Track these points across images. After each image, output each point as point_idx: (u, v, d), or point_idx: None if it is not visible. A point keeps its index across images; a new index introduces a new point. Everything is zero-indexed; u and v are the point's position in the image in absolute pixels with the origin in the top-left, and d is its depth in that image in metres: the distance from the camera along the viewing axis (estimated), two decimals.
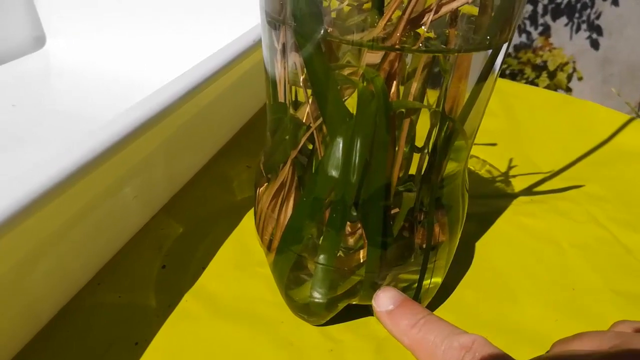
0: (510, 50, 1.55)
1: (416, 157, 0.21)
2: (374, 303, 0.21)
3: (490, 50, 0.20)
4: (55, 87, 0.47)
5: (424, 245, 0.23)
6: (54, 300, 0.25)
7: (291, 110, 0.21)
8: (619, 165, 0.40)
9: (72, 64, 0.49)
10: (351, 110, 0.19)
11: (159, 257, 0.29)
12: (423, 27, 0.18)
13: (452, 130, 0.21)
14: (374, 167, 0.20)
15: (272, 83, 0.21)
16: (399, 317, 0.19)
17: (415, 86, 0.19)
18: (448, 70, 0.19)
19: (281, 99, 0.21)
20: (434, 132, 0.20)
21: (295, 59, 0.20)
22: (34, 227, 0.22)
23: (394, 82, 0.19)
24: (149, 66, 0.47)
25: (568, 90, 1.51)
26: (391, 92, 0.19)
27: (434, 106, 0.20)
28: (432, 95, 0.20)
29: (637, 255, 0.31)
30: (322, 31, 0.18)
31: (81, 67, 0.48)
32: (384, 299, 0.20)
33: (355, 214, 0.21)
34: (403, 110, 0.20)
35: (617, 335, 0.18)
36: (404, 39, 0.17)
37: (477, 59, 0.20)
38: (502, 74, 1.50)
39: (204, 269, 0.28)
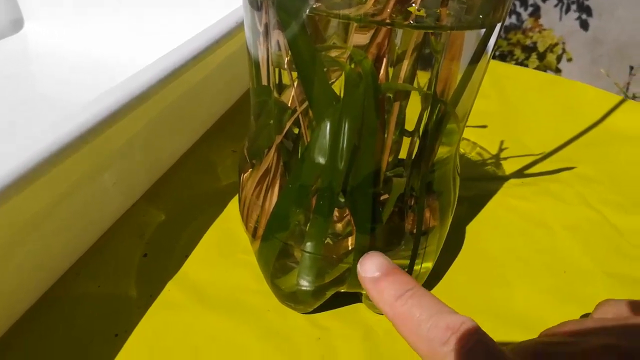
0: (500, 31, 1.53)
1: (406, 141, 0.21)
2: (359, 267, 0.19)
3: (483, 30, 0.19)
4: (34, 70, 0.46)
5: (414, 231, 0.22)
6: (29, 291, 0.24)
7: (275, 94, 0.20)
8: (610, 147, 0.39)
9: (50, 47, 0.47)
10: (338, 94, 0.18)
11: (141, 246, 0.28)
12: (414, 5, 0.17)
13: (443, 113, 0.20)
14: (362, 152, 0.19)
15: (255, 65, 0.20)
16: (385, 286, 0.18)
17: (405, 68, 0.19)
18: (440, 51, 0.18)
19: (265, 81, 0.20)
20: (424, 115, 0.20)
21: (279, 39, 0.19)
22: (7, 215, 0.21)
23: (383, 64, 0.18)
24: (129, 48, 0.45)
25: (557, 71, 1.51)
26: (380, 75, 0.19)
27: (425, 88, 0.19)
28: (422, 78, 0.19)
29: (629, 237, 0.31)
30: (307, 9, 0.17)
31: (60, 50, 0.47)
32: (371, 265, 0.18)
33: (343, 200, 0.21)
34: (392, 93, 0.19)
35: (595, 322, 0.18)
36: (394, 15, 0.16)
37: (470, 40, 0.19)
38: (492, 55, 1.48)
39: (187, 257, 0.28)
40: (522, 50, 1.49)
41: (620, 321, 0.18)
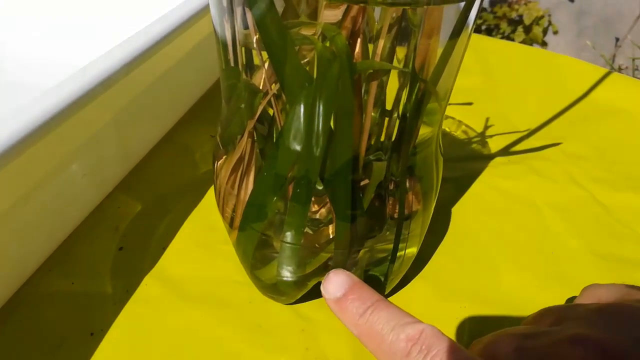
0: (486, 4, 1.51)
1: (386, 123, 0.20)
2: (322, 289, 0.19)
3: (463, 3, 0.17)
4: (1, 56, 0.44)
5: (396, 216, 0.21)
6: None
7: (245, 76, 0.19)
8: (597, 122, 0.39)
9: (15, 31, 0.45)
10: (312, 74, 0.17)
11: (115, 239, 0.27)
12: None
13: (423, 92, 0.19)
14: (339, 136, 0.18)
15: (223, 45, 0.19)
16: (347, 305, 0.18)
17: (382, 44, 0.17)
18: (417, 25, 0.17)
19: (233, 63, 0.19)
20: (403, 94, 0.19)
21: (246, 16, 0.17)
22: None
23: (358, 41, 0.17)
24: (97, 29, 0.44)
25: (544, 44, 1.49)
26: (355, 52, 0.17)
27: (403, 66, 0.18)
28: (400, 54, 0.18)
29: (617, 215, 0.30)
30: None
31: (24, 34, 0.45)
32: (333, 285, 0.19)
33: (321, 187, 0.20)
34: (370, 71, 0.18)
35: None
36: None
37: (449, 13, 0.18)
38: (478, 30, 1.47)
39: (164, 249, 0.27)
40: (508, 23, 1.47)
41: (597, 309, 0.18)
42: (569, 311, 0.19)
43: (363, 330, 0.17)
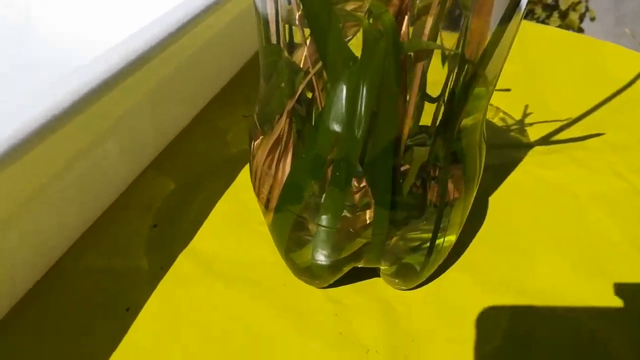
0: None
1: (430, 107, 0.19)
2: None
3: None
4: (36, 29, 0.44)
5: (437, 203, 0.21)
6: (34, 266, 0.23)
7: (286, 53, 0.18)
8: None
9: (54, 4, 0.45)
10: (356, 53, 0.17)
11: (149, 216, 0.27)
12: None
13: (471, 76, 0.18)
14: (382, 118, 0.18)
15: (264, 22, 0.19)
16: None
17: (430, 22, 0.17)
18: (468, 7, 0.17)
19: (274, 40, 0.18)
20: (450, 78, 0.18)
21: None
22: (7, 187, 0.19)
23: (405, 19, 0.17)
24: (136, 4, 0.43)
25: (580, 30, 1.45)
26: (402, 32, 0.17)
27: (452, 48, 0.17)
28: (447, 38, 0.17)
29: None
30: None
31: (64, 7, 0.45)
32: None
33: (361, 170, 0.19)
34: (412, 53, 0.18)
35: None
36: None
37: None
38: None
39: (198, 227, 0.27)
40: (543, 8, 1.43)
41: None
42: None
43: None
